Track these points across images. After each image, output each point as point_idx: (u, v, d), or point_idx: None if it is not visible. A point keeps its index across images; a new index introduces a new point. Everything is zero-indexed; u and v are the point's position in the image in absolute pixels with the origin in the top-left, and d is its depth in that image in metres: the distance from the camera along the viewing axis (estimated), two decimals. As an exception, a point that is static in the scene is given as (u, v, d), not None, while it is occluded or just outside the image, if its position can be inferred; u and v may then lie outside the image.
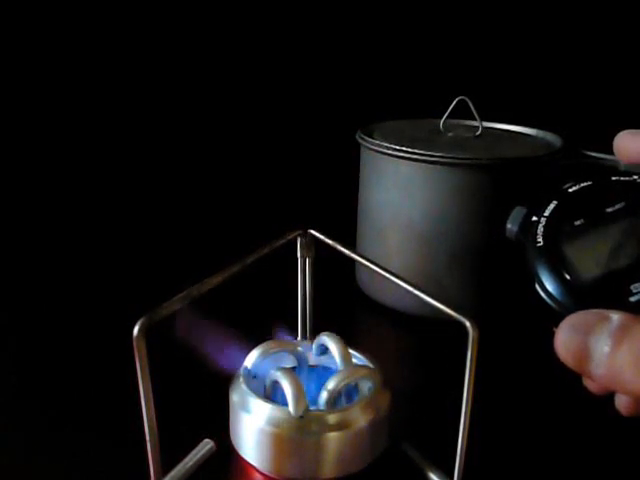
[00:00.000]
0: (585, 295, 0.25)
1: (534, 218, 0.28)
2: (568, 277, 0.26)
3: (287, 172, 0.86)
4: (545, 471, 0.36)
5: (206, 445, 0.35)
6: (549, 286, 0.26)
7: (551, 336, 0.25)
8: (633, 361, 0.21)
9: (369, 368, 0.36)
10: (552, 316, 0.26)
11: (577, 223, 0.27)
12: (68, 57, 0.84)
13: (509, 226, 0.29)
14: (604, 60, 0.85)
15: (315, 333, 0.38)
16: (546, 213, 0.28)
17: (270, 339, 0.37)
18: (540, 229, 0.27)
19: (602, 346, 0.22)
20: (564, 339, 0.24)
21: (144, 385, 0.29)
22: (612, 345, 0.22)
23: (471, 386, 0.29)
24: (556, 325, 0.25)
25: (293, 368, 0.37)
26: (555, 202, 0.28)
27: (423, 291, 0.31)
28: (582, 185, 0.28)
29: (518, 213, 0.29)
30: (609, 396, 0.44)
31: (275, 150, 0.89)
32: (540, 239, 0.27)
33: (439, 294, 0.31)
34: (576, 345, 0.23)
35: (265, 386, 0.35)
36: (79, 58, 0.84)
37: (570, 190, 0.28)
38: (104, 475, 0.35)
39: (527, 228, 0.28)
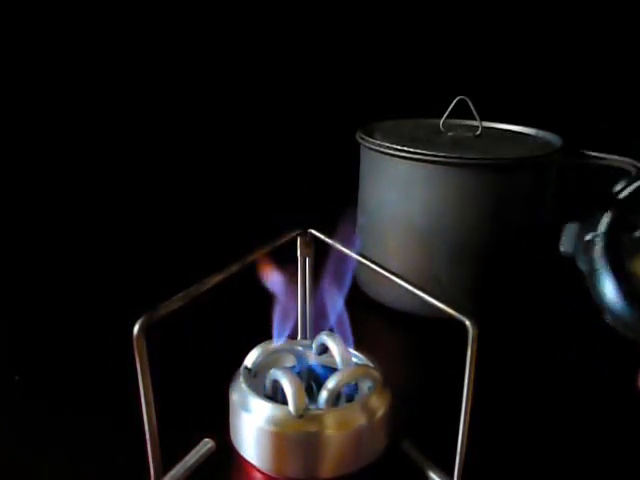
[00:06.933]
0: None
1: (588, 237, 0.25)
2: None
3: (287, 172, 0.86)
4: (545, 471, 0.36)
5: (206, 444, 0.35)
6: (620, 313, 0.23)
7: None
8: None
9: (369, 368, 0.36)
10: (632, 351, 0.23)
11: (637, 234, 0.24)
12: (68, 57, 0.84)
13: (563, 249, 0.26)
14: (604, 60, 0.85)
15: (315, 333, 0.38)
16: (601, 229, 0.25)
17: (270, 339, 0.37)
18: (598, 251, 0.24)
19: None
20: None
21: (144, 385, 0.29)
22: None
23: (471, 385, 0.29)
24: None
25: (293, 367, 0.37)
26: (608, 215, 0.25)
27: (423, 290, 0.31)
28: (632, 187, 0.26)
29: (569, 232, 0.26)
30: (605, 396, 0.44)
31: (275, 150, 0.89)
32: (601, 263, 0.24)
33: (439, 293, 0.31)
34: None
35: (265, 385, 0.35)
36: (79, 58, 0.84)
37: (621, 196, 0.25)
38: (104, 474, 0.35)
39: (583, 250, 0.25)
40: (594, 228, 0.25)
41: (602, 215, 0.24)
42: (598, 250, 0.24)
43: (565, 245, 0.25)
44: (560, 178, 0.54)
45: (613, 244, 0.24)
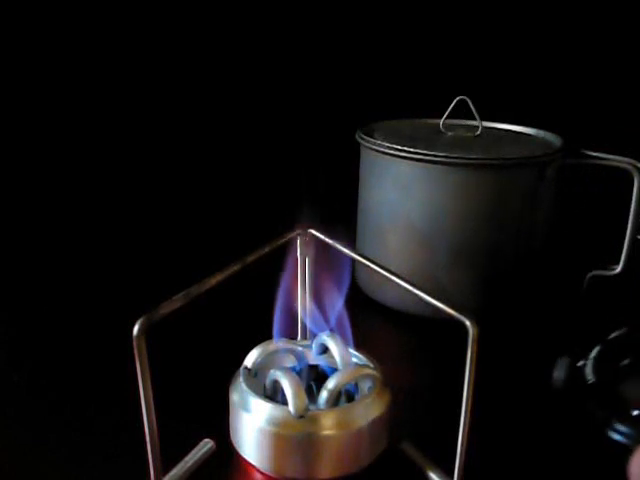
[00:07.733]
0: None
1: (580, 362, 0.29)
2: (634, 413, 0.26)
3: (287, 172, 0.86)
4: (545, 471, 0.36)
5: (206, 444, 0.35)
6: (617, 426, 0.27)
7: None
8: None
9: (369, 368, 0.36)
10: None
11: (624, 363, 0.28)
12: (68, 57, 0.84)
13: (555, 375, 0.30)
14: (604, 60, 0.85)
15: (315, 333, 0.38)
16: (592, 355, 0.29)
17: (270, 339, 0.37)
18: (589, 369, 0.28)
19: None
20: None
21: (144, 385, 0.29)
22: None
23: (471, 385, 0.29)
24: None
25: (293, 368, 0.37)
26: (599, 347, 0.29)
27: (423, 290, 0.31)
28: (620, 332, 0.30)
29: (562, 363, 0.30)
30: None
31: (275, 150, 0.88)
32: (591, 376, 0.28)
33: (439, 294, 0.31)
34: None
35: (265, 386, 0.35)
36: (79, 58, 0.84)
37: (610, 337, 0.30)
38: (104, 474, 0.35)
39: (574, 373, 0.29)
40: (585, 356, 0.29)
41: (593, 348, 0.30)
42: (589, 368, 0.29)
43: (558, 373, 0.29)
44: (560, 178, 0.54)
45: (602, 365, 0.29)
